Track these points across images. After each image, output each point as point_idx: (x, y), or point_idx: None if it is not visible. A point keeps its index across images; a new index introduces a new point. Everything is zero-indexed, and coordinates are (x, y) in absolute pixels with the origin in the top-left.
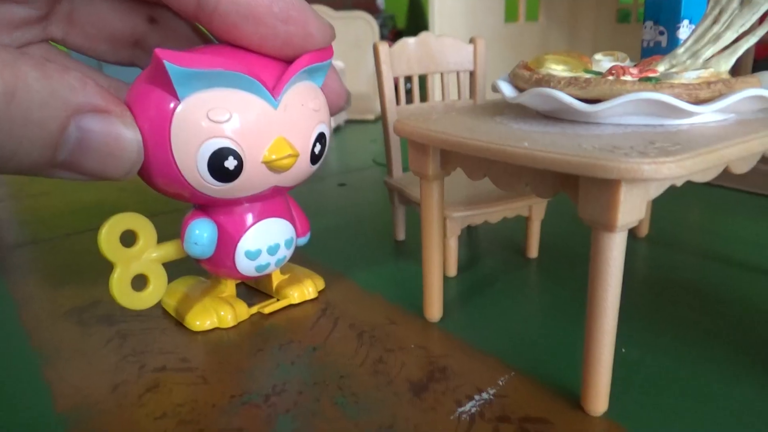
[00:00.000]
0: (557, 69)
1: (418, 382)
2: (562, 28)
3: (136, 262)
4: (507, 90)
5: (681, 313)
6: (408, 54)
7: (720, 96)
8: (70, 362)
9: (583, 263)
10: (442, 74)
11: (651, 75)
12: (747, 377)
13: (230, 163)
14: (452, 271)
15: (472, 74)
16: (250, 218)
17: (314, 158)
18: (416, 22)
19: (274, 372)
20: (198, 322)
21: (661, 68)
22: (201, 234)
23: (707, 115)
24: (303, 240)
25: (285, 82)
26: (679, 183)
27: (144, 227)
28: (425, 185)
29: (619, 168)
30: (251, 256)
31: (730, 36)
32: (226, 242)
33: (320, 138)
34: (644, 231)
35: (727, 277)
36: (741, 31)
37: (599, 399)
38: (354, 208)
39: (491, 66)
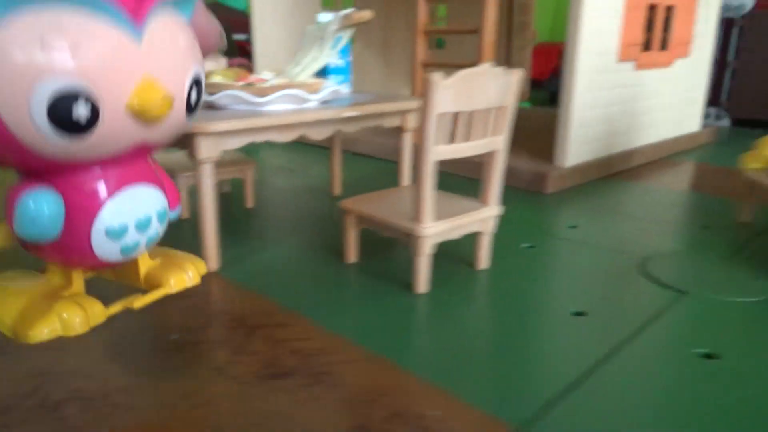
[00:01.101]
0: (216, 79)
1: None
2: (374, 48)
3: None
4: None
5: (301, 227)
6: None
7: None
8: None
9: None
10: None
11: (256, 83)
12: (329, 263)
13: (81, 110)
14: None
15: None
16: (109, 185)
17: (190, 108)
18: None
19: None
20: (34, 332)
21: (272, 79)
22: (40, 208)
23: (284, 104)
24: (174, 214)
25: (149, 6)
26: (258, 139)
27: None
28: None
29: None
30: (115, 234)
31: (306, 61)
32: (79, 219)
33: (196, 82)
34: (336, 191)
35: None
36: (313, 58)
37: (210, 261)
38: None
39: None
